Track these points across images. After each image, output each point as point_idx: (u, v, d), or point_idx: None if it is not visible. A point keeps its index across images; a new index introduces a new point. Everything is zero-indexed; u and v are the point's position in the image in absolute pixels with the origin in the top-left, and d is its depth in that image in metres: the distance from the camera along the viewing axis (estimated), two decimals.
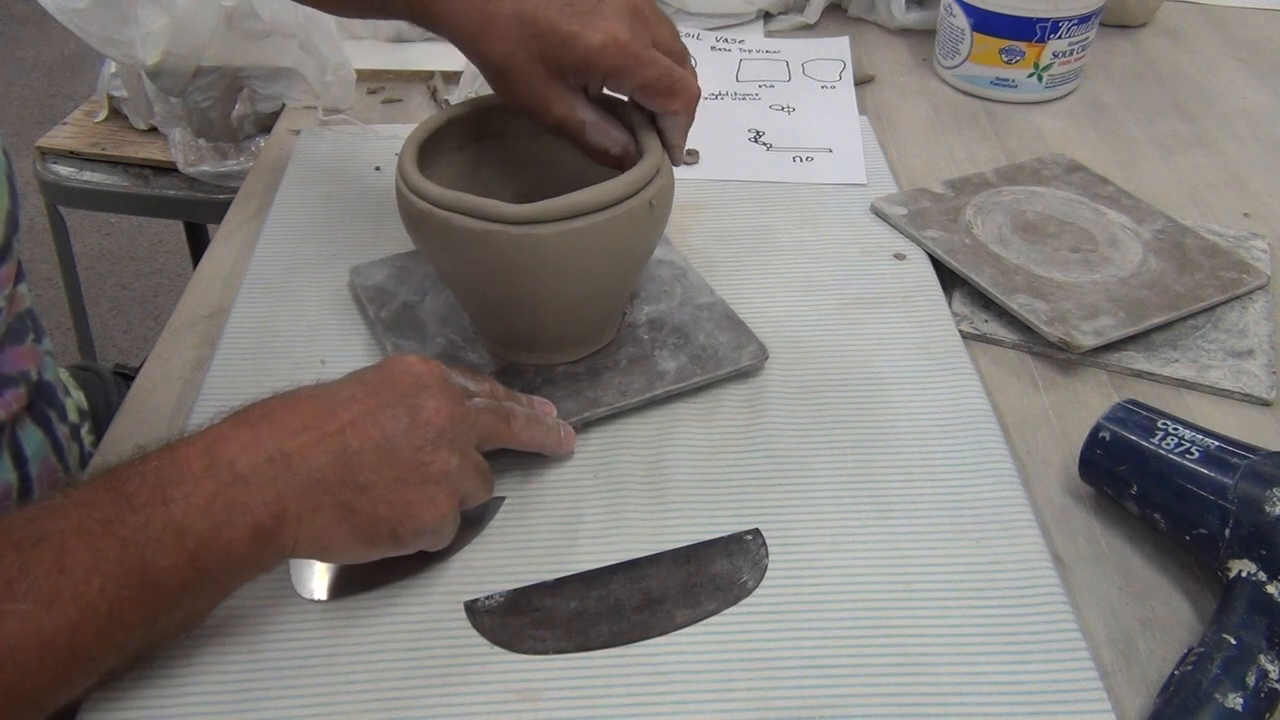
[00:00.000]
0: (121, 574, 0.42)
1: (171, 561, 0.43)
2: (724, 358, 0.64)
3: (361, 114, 0.93)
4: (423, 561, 0.53)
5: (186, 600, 0.45)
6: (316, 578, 0.53)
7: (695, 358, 0.64)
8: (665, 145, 0.60)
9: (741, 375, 0.64)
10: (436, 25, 0.60)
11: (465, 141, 0.65)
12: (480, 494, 0.53)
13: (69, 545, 0.42)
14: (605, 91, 0.61)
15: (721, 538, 0.55)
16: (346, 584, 0.52)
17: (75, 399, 0.70)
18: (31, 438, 0.60)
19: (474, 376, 0.56)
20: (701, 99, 0.61)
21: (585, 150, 0.61)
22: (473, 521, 0.55)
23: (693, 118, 0.61)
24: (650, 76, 0.58)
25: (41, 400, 0.62)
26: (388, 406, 0.49)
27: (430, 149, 0.61)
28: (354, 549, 0.49)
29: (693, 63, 0.62)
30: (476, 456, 0.53)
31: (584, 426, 0.60)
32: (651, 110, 0.60)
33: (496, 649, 0.50)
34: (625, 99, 0.62)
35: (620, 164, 0.60)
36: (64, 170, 1.33)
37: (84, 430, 0.69)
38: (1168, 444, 0.53)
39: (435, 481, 0.49)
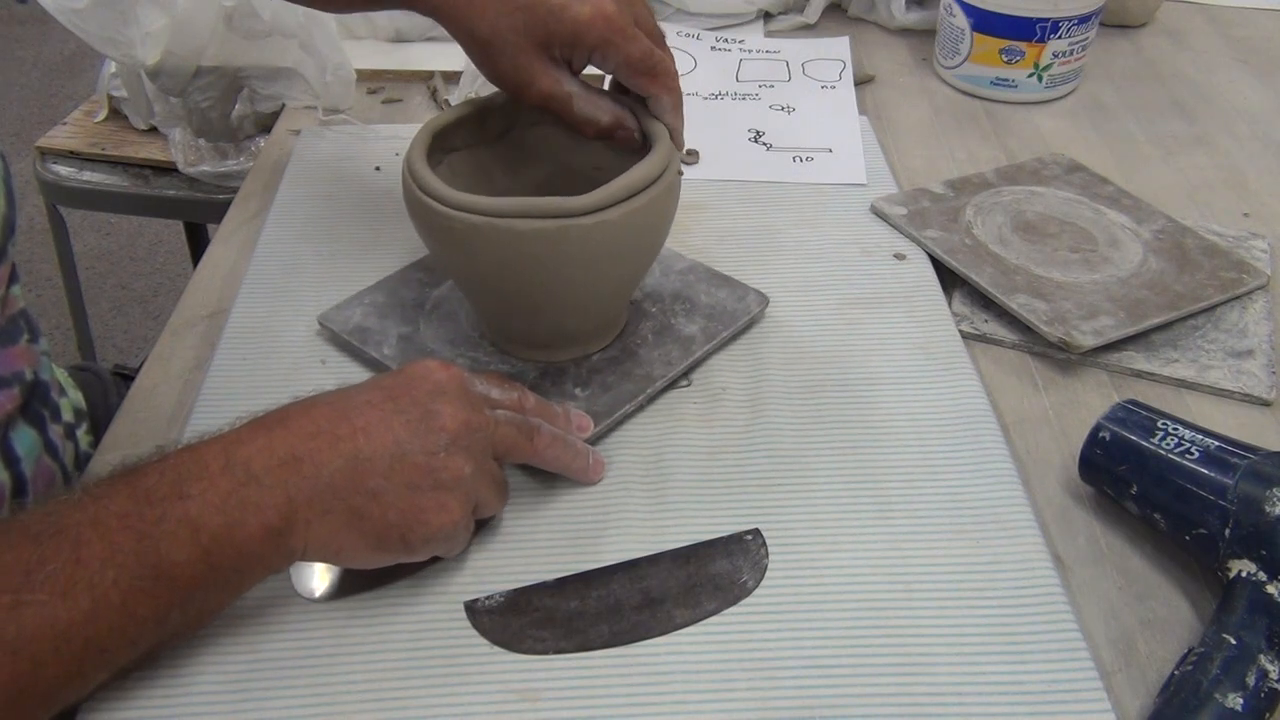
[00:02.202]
0: (136, 566, 0.43)
1: (185, 556, 0.44)
2: (734, 310, 0.67)
3: (361, 114, 0.93)
4: (424, 562, 0.53)
5: (198, 596, 0.45)
6: (316, 578, 0.53)
7: (710, 316, 0.66)
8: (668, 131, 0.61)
9: (750, 326, 0.67)
10: (420, 1, 0.60)
11: (464, 145, 0.65)
12: (494, 504, 0.53)
13: (84, 537, 0.43)
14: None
15: (721, 538, 0.55)
16: (346, 584, 0.52)
17: (72, 398, 0.70)
18: (24, 438, 0.60)
19: (502, 384, 0.56)
20: (701, 99, 0.61)
21: (574, 124, 0.61)
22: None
23: (679, 100, 0.61)
24: (634, 53, 0.58)
25: (35, 400, 0.62)
26: (402, 412, 0.49)
27: (430, 160, 0.61)
28: (365, 554, 0.49)
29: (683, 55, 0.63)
30: (493, 466, 0.52)
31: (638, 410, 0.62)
32: (637, 94, 0.61)
33: (496, 649, 0.50)
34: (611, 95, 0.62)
35: (610, 134, 0.61)
36: (64, 170, 1.33)
37: (81, 430, 0.69)
38: (1168, 444, 0.53)
39: (447, 488, 0.49)
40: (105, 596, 0.42)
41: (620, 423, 0.61)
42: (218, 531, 0.45)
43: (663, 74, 0.59)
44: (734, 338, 0.67)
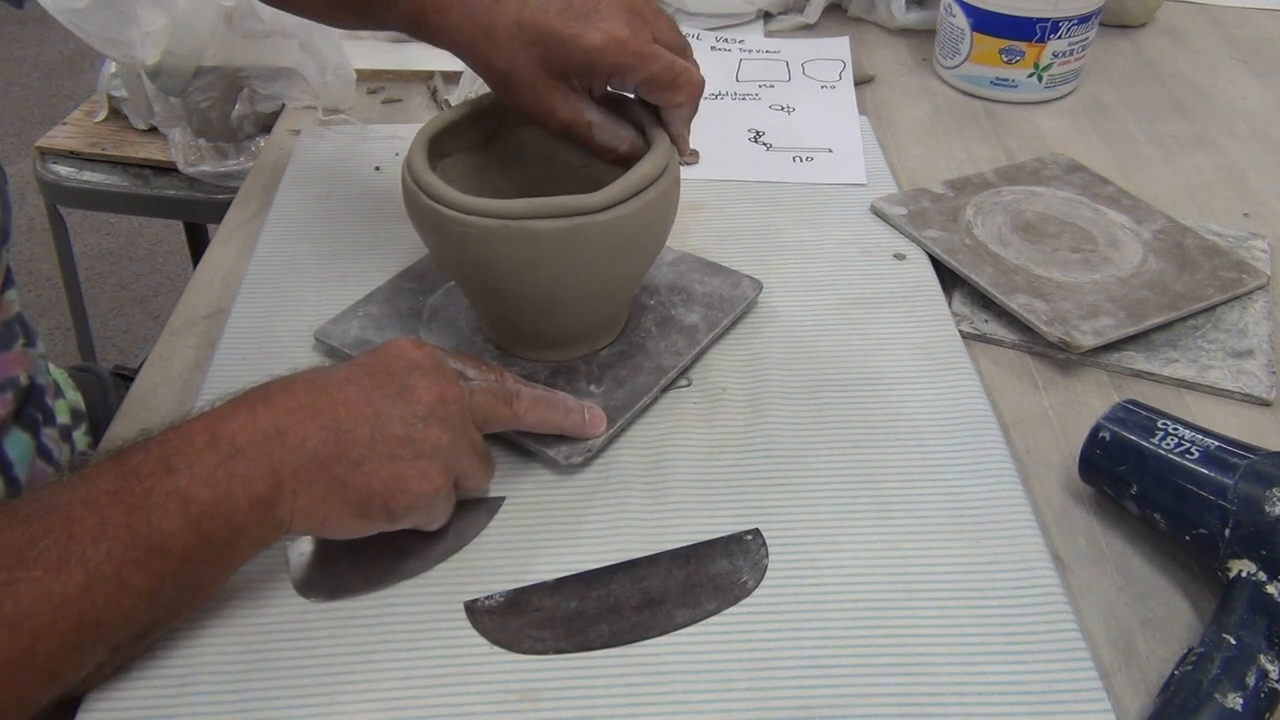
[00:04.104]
0: (128, 539, 0.44)
1: (176, 527, 0.45)
2: (731, 297, 0.68)
3: (361, 114, 0.93)
4: (423, 561, 0.53)
5: (190, 569, 0.46)
6: (315, 576, 0.53)
7: (708, 305, 0.67)
8: (671, 138, 0.61)
9: (748, 311, 0.68)
10: (435, 37, 0.60)
11: (455, 150, 0.65)
12: (477, 474, 0.54)
13: (76, 514, 0.43)
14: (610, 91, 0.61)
15: (721, 538, 0.55)
16: (347, 584, 0.52)
17: (70, 400, 0.70)
18: (16, 442, 0.60)
19: (478, 365, 0.57)
20: (701, 99, 0.61)
21: (592, 150, 0.61)
22: (473, 522, 0.55)
23: (696, 108, 0.61)
24: (654, 71, 0.58)
25: (30, 405, 0.62)
26: (380, 387, 0.51)
27: (432, 161, 0.61)
28: (349, 523, 0.50)
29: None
30: (473, 436, 0.53)
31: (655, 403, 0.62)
32: (655, 104, 0.61)
33: (496, 649, 0.50)
34: (623, 97, 0.62)
35: (627, 161, 0.61)
36: (64, 170, 1.33)
37: (78, 432, 0.69)
38: (1168, 444, 0.53)
39: (427, 456, 0.50)
40: (99, 569, 0.43)
41: (639, 415, 0.61)
42: (207, 503, 0.45)
43: (685, 85, 0.59)
44: (734, 324, 0.67)
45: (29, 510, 0.43)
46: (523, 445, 0.59)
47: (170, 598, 0.46)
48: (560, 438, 0.58)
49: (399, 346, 0.54)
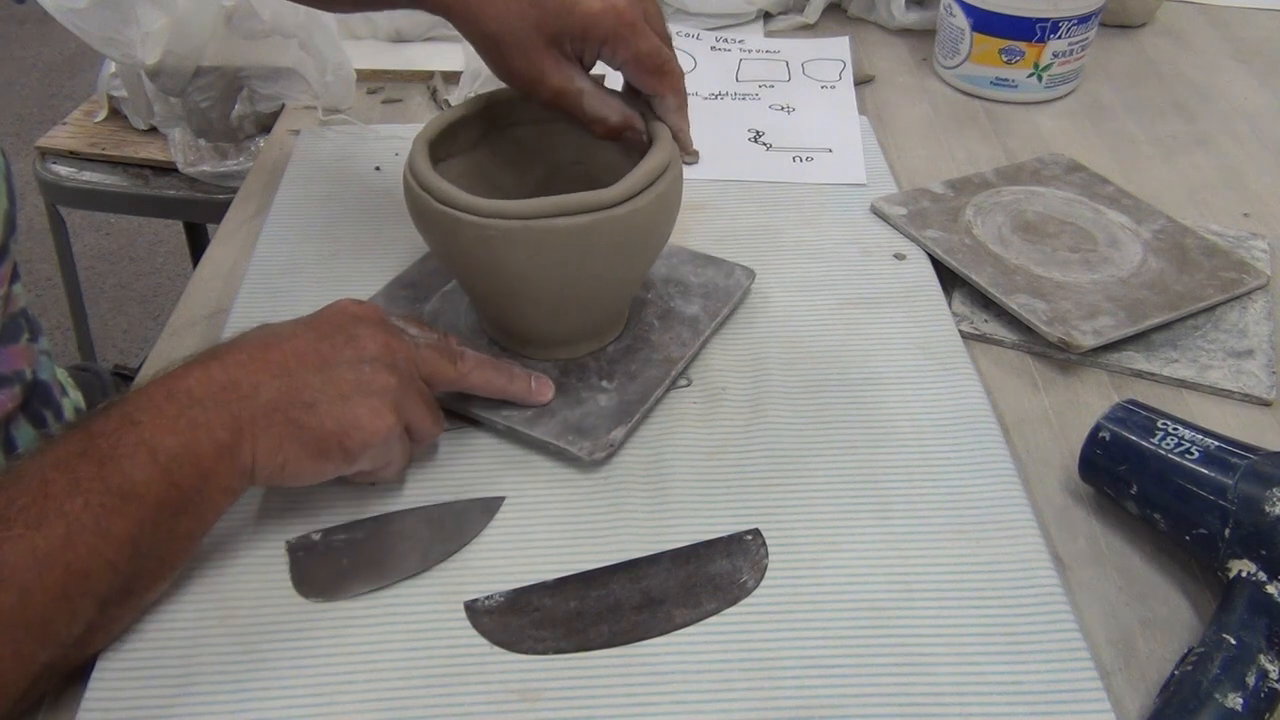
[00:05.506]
0: (103, 489, 0.45)
1: (147, 475, 0.46)
2: (727, 286, 0.69)
3: (361, 114, 0.93)
4: (423, 561, 0.53)
5: (166, 518, 0.47)
6: (315, 576, 0.53)
7: (706, 295, 0.68)
8: (672, 132, 0.61)
9: (744, 300, 0.70)
10: (433, 1, 0.61)
11: (449, 154, 0.64)
12: (427, 423, 0.55)
13: (48, 475, 0.45)
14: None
15: (721, 538, 0.55)
16: (347, 584, 0.52)
17: (73, 399, 0.70)
18: (25, 435, 0.60)
19: (421, 325, 0.58)
20: (701, 99, 0.61)
21: (583, 121, 0.61)
22: (473, 522, 0.55)
23: (684, 101, 0.62)
24: (644, 48, 0.58)
25: (36, 399, 0.62)
26: (326, 338, 0.53)
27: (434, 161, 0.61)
28: (308, 464, 0.51)
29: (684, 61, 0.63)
30: (421, 386, 0.55)
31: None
32: (644, 94, 0.61)
33: (496, 649, 0.50)
34: (621, 94, 0.62)
35: (618, 134, 0.61)
36: (64, 170, 1.33)
37: None
38: (1168, 444, 0.53)
39: (378, 395, 0.52)
40: (78, 520, 0.44)
41: (653, 409, 0.61)
42: (174, 450, 0.47)
43: (669, 74, 0.60)
44: (733, 312, 0.68)
45: (1, 479, 0.45)
46: (545, 443, 0.58)
47: (149, 544, 0.47)
48: (583, 436, 0.58)
49: (341, 305, 0.55)
